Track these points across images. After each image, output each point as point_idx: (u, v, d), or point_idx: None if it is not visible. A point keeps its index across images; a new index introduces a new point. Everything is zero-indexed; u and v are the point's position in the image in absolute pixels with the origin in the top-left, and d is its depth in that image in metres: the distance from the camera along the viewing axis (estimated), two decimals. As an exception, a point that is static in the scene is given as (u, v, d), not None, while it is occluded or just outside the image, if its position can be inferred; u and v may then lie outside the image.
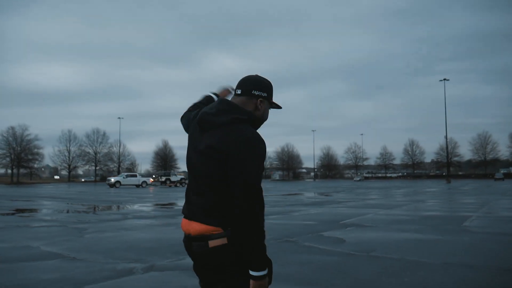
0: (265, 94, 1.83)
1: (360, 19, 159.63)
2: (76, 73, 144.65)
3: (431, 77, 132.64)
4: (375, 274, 4.62)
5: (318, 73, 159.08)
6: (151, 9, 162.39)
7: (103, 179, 73.39)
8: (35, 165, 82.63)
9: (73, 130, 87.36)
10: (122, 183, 45.40)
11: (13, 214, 12.87)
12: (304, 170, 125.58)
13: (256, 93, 1.80)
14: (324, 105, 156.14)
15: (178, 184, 48.37)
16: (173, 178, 49.77)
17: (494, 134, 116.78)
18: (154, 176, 55.72)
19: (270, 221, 10.07)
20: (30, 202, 19.04)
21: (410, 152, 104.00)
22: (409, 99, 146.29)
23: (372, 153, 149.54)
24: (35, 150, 78.09)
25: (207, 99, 2.12)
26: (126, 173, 51.10)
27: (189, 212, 1.75)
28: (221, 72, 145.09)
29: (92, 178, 79.88)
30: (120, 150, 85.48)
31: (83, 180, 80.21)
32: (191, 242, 1.72)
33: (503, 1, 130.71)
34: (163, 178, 50.62)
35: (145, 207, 15.36)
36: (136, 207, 15.58)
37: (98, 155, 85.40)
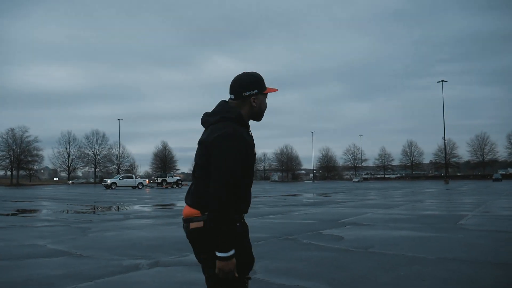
0: (256, 91, 1.98)
1: (358, 21, 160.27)
2: (76, 75, 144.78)
3: (428, 78, 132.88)
4: (373, 268, 4.80)
5: (317, 75, 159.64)
6: (150, 12, 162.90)
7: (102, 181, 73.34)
8: (35, 167, 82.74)
9: (73, 131, 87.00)
10: (118, 184, 45.48)
11: (16, 214, 13.03)
12: (303, 171, 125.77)
13: (247, 94, 1.97)
14: (322, 107, 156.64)
15: (174, 186, 48.38)
16: (169, 180, 49.84)
17: (492, 135, 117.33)
18: (153, 178, 55.80)
19: (270, 221, 10.24)
20: (31, 203, 19.18)
21: (408, 153, 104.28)
22: (407, 100, 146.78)
23: (371, 154, 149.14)
24: (35, 152, 78.27)
25: None
26: (122, 175, 51.19)
27: (185, 197, 2.01)
28: (220, 74, 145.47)
29: (80, 180, 79.63)
30: (120, 152, 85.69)
31: (70, 182, 78.99)
32: (183, 223, 1.99)
33: (500, 2, 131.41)
34: (160, 180, 50.74)
35: (146, 208, 15.53)
36: (136, 207, 15.74)
37: (98, 156, 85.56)
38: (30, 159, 77.85)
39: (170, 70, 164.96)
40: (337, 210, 13.23)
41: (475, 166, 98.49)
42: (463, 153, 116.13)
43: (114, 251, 6.00)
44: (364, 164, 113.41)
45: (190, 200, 1.95)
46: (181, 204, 17.00)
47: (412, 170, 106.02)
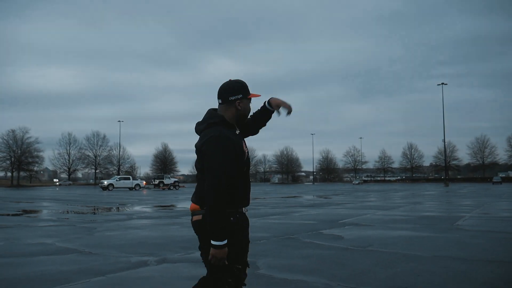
0: (240, 95, 2.26)
1: (358, 23, 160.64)
2: (76, 76, 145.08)
3: (428, 81, 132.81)
4: (371, 265, 5.02)
5: (317, 77, 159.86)
6: (149, 13, 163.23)
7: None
8: (35, 168, 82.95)
9: (73, 133, 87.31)
10: (115, 186, 45.68)
11: (20, 214, 13.23)
12: (303, 174, 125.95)
13: (233, 98, 2.25)
14: (323, 109, 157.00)
15: (171, 187, 48.51)
16: (166, 181, 50.06)
17: (492, 138, 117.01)
18: (152, 179, 56.05)
19: (271, 221, 10.45)
20: (34, 203, 19.38)
21: (408, 156, 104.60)
22: (407, 103, 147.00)
23: (371, 156, 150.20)
24: (35, 153, 78.57)
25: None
26: (119, 176, 51.43)
27: (192, 196, 2.33)
28: (220, 75, 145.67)
29: (67, 182, 79.82)
30: (120, 153, 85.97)
31: (57, 183, 79.04)
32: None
33: (500, 5, 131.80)
34: (157, 181, 50.92)
35: (147, 209, 15.73)
36: (138, 208, 15.95)
37: (98, 158, 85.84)
38: (30, 160, 78.15)
39: (170, 72, 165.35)
40: (337, 211, 13.44)
41: (475, 169, 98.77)
42: (463, 155, 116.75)
43: (121, 249, 6.21)
44: (364, 166, 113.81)
45: (194, 197, 2.27)
46: (181, 205, 17.28)
47: (412, 172, 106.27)
